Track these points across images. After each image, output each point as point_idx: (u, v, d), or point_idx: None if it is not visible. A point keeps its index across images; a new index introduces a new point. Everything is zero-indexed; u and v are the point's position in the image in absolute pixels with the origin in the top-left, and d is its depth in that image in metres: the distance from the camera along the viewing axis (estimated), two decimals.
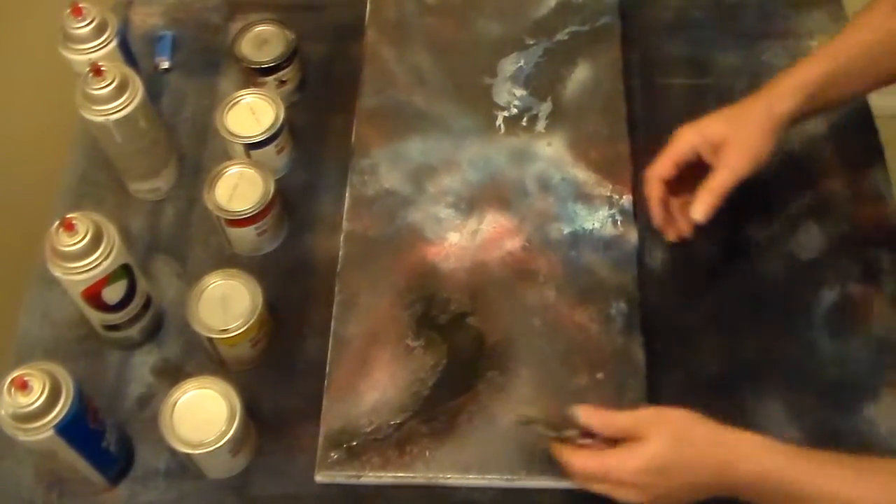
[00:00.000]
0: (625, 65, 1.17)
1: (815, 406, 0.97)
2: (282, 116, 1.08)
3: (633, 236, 1.06)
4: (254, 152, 1.08)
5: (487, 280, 1.04)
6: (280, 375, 1.01)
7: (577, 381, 0.98)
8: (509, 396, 0.97)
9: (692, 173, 0.94)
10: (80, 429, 0.86)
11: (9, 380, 0.82)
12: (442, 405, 0.97)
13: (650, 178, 0.90)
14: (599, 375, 0.98)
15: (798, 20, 1.22)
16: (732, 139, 0.88)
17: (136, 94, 1.00)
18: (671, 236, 0.96)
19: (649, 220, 1.02)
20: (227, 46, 1.18)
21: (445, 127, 1.13)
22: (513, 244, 1.06)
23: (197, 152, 1.16)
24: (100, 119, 1.00)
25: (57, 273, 0.91)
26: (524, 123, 1.13)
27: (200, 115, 1.18)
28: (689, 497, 0.80)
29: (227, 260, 1.07)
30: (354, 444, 0.95)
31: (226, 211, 1.02)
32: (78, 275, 0.90)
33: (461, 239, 1.06)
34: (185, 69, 1.22)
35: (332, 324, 1.01)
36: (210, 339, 0.96)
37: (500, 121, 1.14)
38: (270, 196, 1.03)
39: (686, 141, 0.89)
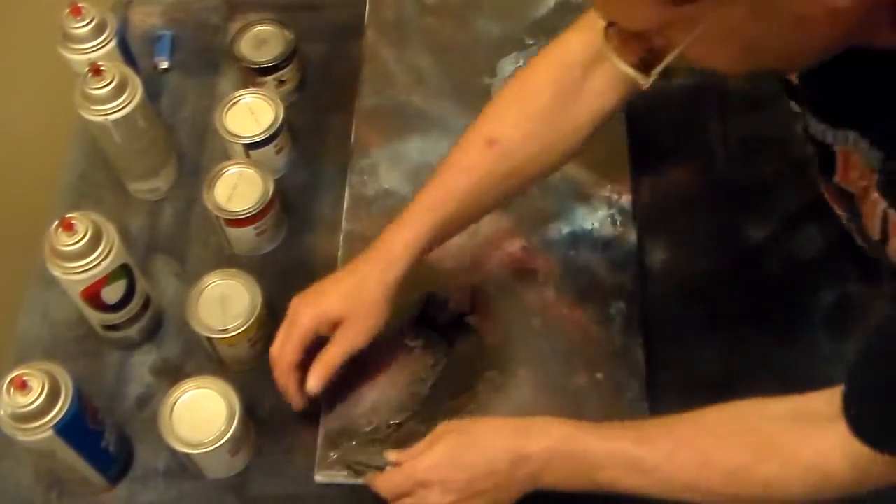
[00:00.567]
0: None
1: None
2: (281, 116, 1.08)
3: (632, 236, 1.06)
4: (253, 152, 1.07)
5: (487, 280, 1.04)
6: None
7: (576, 381, 0.98)
8: (508, 396, 0.97)
9: None
10: (79, 429, 0.86)
11: (8, 380, 0.82)
12: (441, 405, 0.97)
13: (280, 364, 0.92)
14: (599, 375, 0.98)
15: None
16: (349, 316, 0.91)
17: (136, 93, 1.00)
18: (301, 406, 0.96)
19: (649, 220, 1.02)
20: (227, 46, 1.18)
21: (445, 127, 1.13)
22: (512, 244, 1.06)
23: (196, 152, 1.16)
24: (99, 119, 0.99)
25: (56, 273, 0.90)
26: None
27: (200, 114, 1.18)
28: (495, 494, 0.83)
29: (227, 260, 1.07)
30: (354, 443, 0.95)
31: (225, 211, 1.02)
32: (77, 274, 0.90)
33: (460, 239, 1.05)
34: (184, 69, 1.22)
35: None
36: (209, 339, 0.96)
37: None
38: (270, 196, 1.03)
39: (305, 325, 0.91)
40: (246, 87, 1.12)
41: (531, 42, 1.19)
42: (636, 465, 0.78)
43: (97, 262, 0.90)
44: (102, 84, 0.98)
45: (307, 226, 1.11)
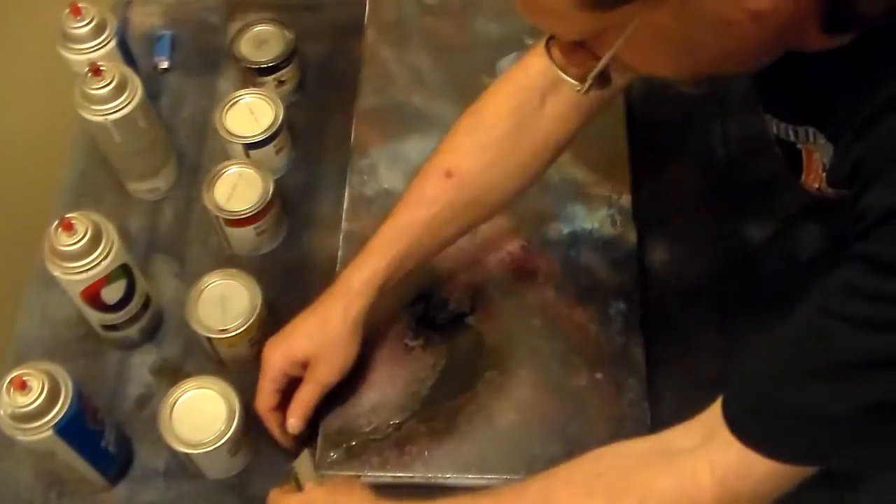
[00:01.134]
0: None
1: None
2: (281, 116, 1.08)
3: (632, 236, 1.06)
4: (253, 152, 1.07)
5: (486, 280, 1.04)
6: None
7: (576, 381, 0.98)
8: (508, 396, 0.97)
9: None
10: (79, 429, 0.86)
11: (8, 380, 0.82)
12: (441, 405, 0.97)
13: (261, 411, 0.94)
14: (599, 375, 0.98)
15: None
16: (316, 355, 0.92)
17: (135, 93, 1.00)
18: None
19: (649, 220, 1.02)
20: (226, 46, 1.18)
21: (444, 127, 1.12)
22: (512, 244, 1.06)
23: (196, 152, 1.16)
24: (99, 119, 0.99)
25: (56, 273, 0.90)
26: None
27: (199, 114, 1.18)
28: None
29: (227, 260, 1.07)
30: (353, 443, 0.95)
31: (225, 211, 1.02)
32: (77, 274, 0.90)
33: (460, 239, 1.05)
34: (184, 69, 1.22)
35: None
36: (209, 339, 0.96)
37: None
38: (269, 196, 1.03)
39: (274, 369, 0.92)
40: (246, 87, 1.12)
41: (531, 42, 1.19)
42: None
43: (97, 262, 0.90)
44: (102, 84, 0.98)
45: (307, 226, 1.11)
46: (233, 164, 1.04)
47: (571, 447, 0.94)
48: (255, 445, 0.96)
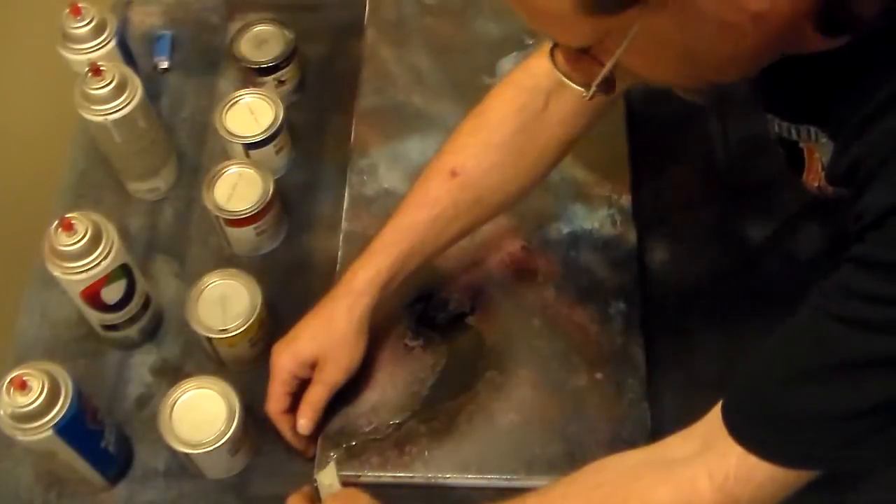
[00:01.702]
0: None
1: None
2: (281, 116, 1.08)
3: (632, 236, 1.06)
4: (253, 152, 1.07)
5: (487, 280, 1.04)
6: None
7: (576, 381, 0.98)
8: (508, 396, 0.97)
9: None
10: (78, 429, 0.86)
11: (7, 380, 0.82)
12: (441, 405, 0.97)
13: (272, 414, 0.94)
14: (599, 375, 0.98)
15: None
16: (322, 355, 0.92)
17: (135, 93, 1.00)
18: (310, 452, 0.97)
19: (649, 220, 1.02)
20: (226, 46, 1.18)
21: (444, 127, 1.13)
22: (512, 244, 1.06)
23: (196, 152, 1.16)
24: (99, 119, 0.99)
25: (56, 273, 0.90)
26: None
27: (199, 114, 1.18)
28: None
29: (227, 260, 1.07)
30: (353, 443, 0.95)
31: (225, 211, 1.02)
32: (77, 274, 0.90)
33: (463, 239, 1.05)
34: (183, 69, 1.22)
35: None
36: (209, 339, 0.96)
37: None
38: (269, 196, 1.03)
39: (283, 369, 0.93)
40: (246, 87, 1.12)
41: (530, 42, 1.19)
42: None
43: (97, 262, 0.90)
44: (102, 84, 0.98)
45: (307, 226, 1.11)
46: (233, 164, 1.04)
47: (571, 447, 0.94)
48: (255, 445, 0.96)
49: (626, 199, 1.08)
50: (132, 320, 1.00)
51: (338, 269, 1.04)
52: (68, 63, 1.06)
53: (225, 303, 0.97)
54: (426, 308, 1.02)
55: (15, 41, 1.48)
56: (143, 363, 1.02)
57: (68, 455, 0.87)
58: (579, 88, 0.68)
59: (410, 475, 0.93)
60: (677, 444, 0.72)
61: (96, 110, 0.99)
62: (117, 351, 1.03)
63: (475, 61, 1.18)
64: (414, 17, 1.23)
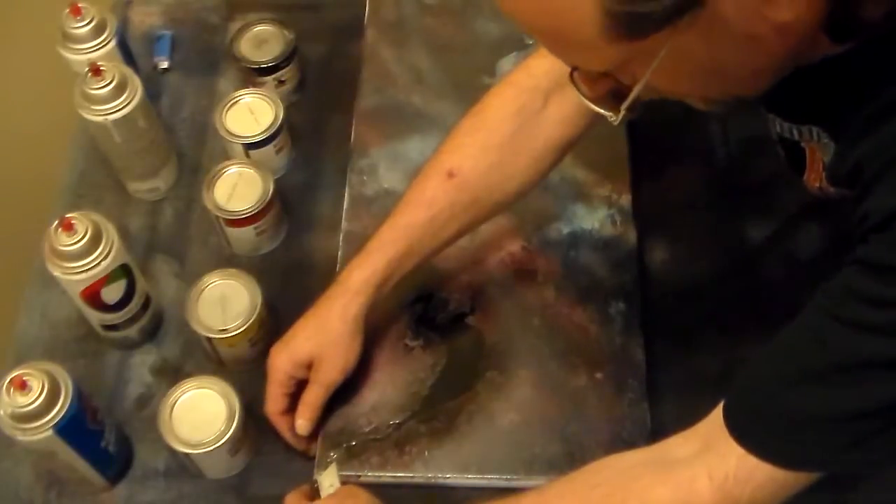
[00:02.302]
0: None
1: None
2: (281, 116, 1.08)
3: (632, 236, 1.06)
4: (253, 152, 1.07)
5: (487, 280, 1.04)
6: None
7: (576, 381, 0.98)
8: (508, 396, 0.97)
9: None
10: (78, 429, 0.86)
11: (8, 380, 0.82)
12: (441, 405, 0.97)
13: (271, 415, 0.95)
14: (599, 375, 0.98)
15: None
16: (318, 356, 0.92)
17: (135, 93, 1.00)
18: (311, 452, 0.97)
19: (649, 220, 1.02)
20: (226, 46, 1.18)
21: (444, 127, 1.12)
22: (512, 244, 1.06)
23: (196, 152, 1.16)
24: (99, 119, 0.99)
25: (56, 273, 0.90)
26: None
27: (199, 114, 1.18)
28: None
29: (226, 260, 1.07)
30: (353, 443, 0.95)
31: (225, 211, 1.02)
32: (77, 274, 0.90)
33: (460, 239, 1.05)
34: (183, 69, 1.22)
35: None
36: (209, 339, 0.96)
37: None
38: (269, 196, 1.03)
39: (279, 370, 0.93)
40: (245, 86, 1.12)
41: (530, 42, 1.19)
42: None
43: (97, 262, 0.90)
44: (102, 84, 0.98)
45: (307, 226, 1.11)
46: (233, 164, 1.04)
47: (571, 447, 0.94)
48: (255, 445, 0.96)
49: (626, 199, 1.08)
50: (132, 320, 1.00)
51: (338, 269, 1.04)
52: (68, 63, 1.06)
53: (225, 303, 0.97)
54: (426, 308, 1.02)
55: (15, 41, 1.48)
56: (143, 363, 1.02)
57: (68, 455, 0.87)
58: (608, 114, 0.68)
59: (410, 475, 0.93)
60: (677, 445, 0.72)
61: (96, 110, 0.99)
62: (117, 351, 1.03)
63: (475, 61, 1.18)
64: (414, 17, 1.23)
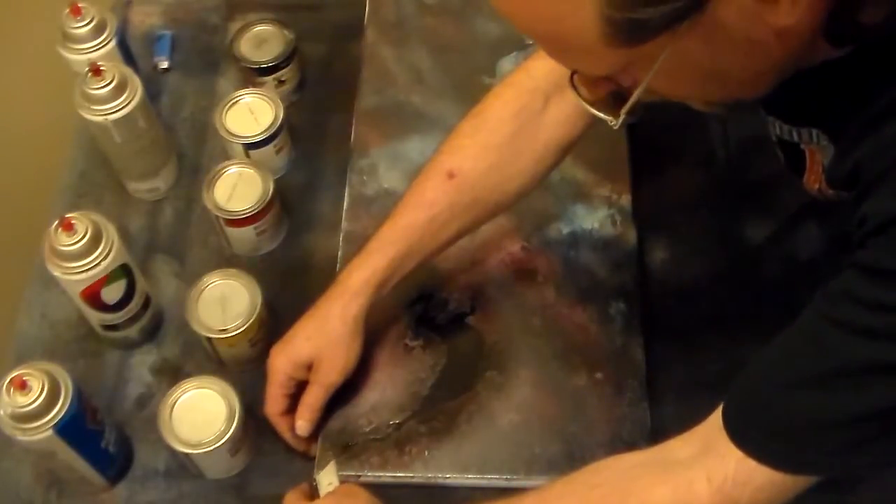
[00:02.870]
0: None
1: None
2: (281, 116, 1.08)
3: (632, 236, 1.06)
4: (253, 152, 1.07)
5: (487, 280, 1.04)
6: None
7: (576, 381, 0.98)
8: (508, 396, 0.97)
9: None
10: (78, 429, 0.86)
11: (7, 380, 0.82)
12: (441, 405, 0.97)
13: (271, 416, 0.95)
14: (599, 375, 0.98)
15: None
16: (318, 356, 0.92)
17: (135, 93, 1.00)
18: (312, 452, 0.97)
19: (649, 220, 1.02)
20: (226, 46, 1.18)
21: (444, 126, 1.12)
22: (512, 244, 1.06)
23: (196, 152, 1.16)
24: (99, 119, 0.99)
25: (56, 273, 0.90)
26: None
27: (199, 114, 1.18)
28: None
29: (227, 260, 1.07)
30: (353, 443, 0.95)
31: (225, 211, 1.02)
32: (77, 274, 0.90)
33: (460, 240, 1.05)
34: (183, 69, 1.22)
35: None
36: (209, 339, 0.96)
37: None
38: (269, 196, 1.03)
39: (279, 371, 0.93)
40: (245, 86, 1.12)
41: (531, 41, 1.19)
42: None
43: (97, 262, 0.90)
44: (102, 84, 0.98)
45: (307, 226, 1.11)
46: (233, 164, 1.04)
47: (571, 447, 0.94)
48: (255, 445, 0.96)
49: (626, 199, 1.08)
50: (132, 320, 1.00)
51: (338, 269, 1.04)
52: (68, 63, 1.06)
53: (225, 303, 0.97)
54: (426, 308, 1.02)
55: (15, 41, 1.48)
56: (143, 363, 1.02)
57: (68, 455, 0.87)
58: (608, 118, 0.68)
59: (410, 475, 0.94)
60: (677, 447, 0.72)
61: (96, 110, 0.99)
62: (117, 351, 1.03)
63: (475, 61, 1.18)
64: (414, 17, 1.23)
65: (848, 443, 0.63)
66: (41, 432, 0.82)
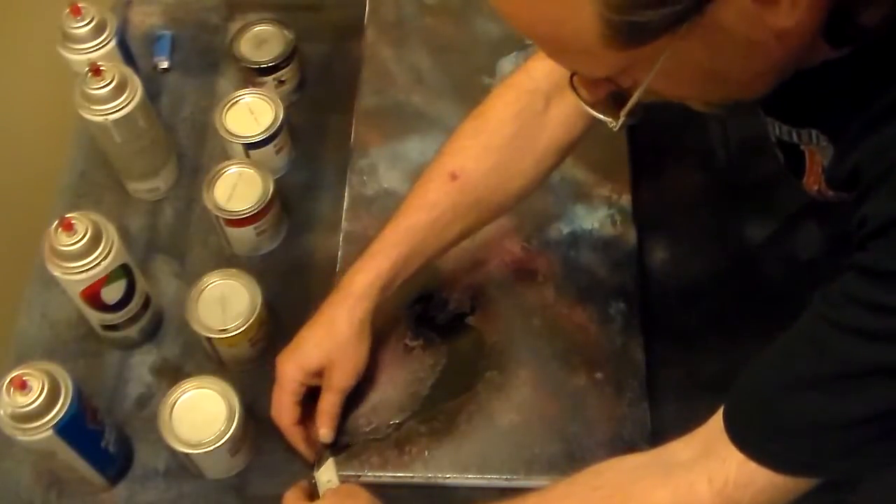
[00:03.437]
0: None
1: None
2: (281, 116, 1.08)
3: (632, 236, 1.06)
4: (253, 152, 1.07)
5: (487, 280, 1.04)
6: None
7: (576, 381, 0.98)
8: (508, 396, 0.97)
9: None
10: (78, 429, 0.86)
11: (8, 380, 0.82)
12: (441, 405, 0.97)
13: (283, 426, 0.94)
14: (599, 375, 0.98)
15: None
16: (328, 362, 0.92)
17: (135, 93, 1.00)
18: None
19: (649, 220, 1.02)
20: (226, 46, 1.18)
21: (444, 127, 1.13)
22: (512, 244, 1.06)
23: (196, 152, 1.16)
24: (99, 119, 0.99)
25: (56, 273, 0.90)
26: None
27: (199, 114, 1.18)
28: None
29: (227, 260, 1.07)
30: (354, 443, 0.95)
31: (225, 211, 1.02)
32: (77, 274, 0.90)
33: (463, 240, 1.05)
34: (183, 69, 1.22)
35: None
36: (209, 339, 0.96)
37: None
38: (269, 196, 1.03)
39: (292, 379, 0.92)
40: (245, 86, 1.12)
41: (531, 42, 1.19)
42: None
43: (97, 262, 0.90)
44: (102, 84, 0.98)
45: (307, 226, 1.11)
46: (233, 164, 1.04)
47: (571, 447, 0.94)
48: (255, 445, 0.96)
49: (626, 199, 1.08)
50: (132, 320, 1.00)
51: (338, 269, 1.04)
52: (68, 63, 1.06)
53: (225, 303, 0.97)
54: (426, 308, 1.02)
55: (15, 41, 1.48)
56: (143, 363, 1.02)
57: (68, 455, 0.87)
58: (607, 119, 0.68)
59: (410, 475, 0.94)
60: (678, 449, 0.72)
61: (96, 110, 0.99)
62: (117, 351, 1.03)
63: (475, 61, 1.18)
64: (414, 17, 1.23)
65: (849, 445, 0.63)
66: (41, 432, 0.82)
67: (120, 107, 0.99)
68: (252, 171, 1.04)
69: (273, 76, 1.14)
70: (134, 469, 0.97)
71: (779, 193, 1.09)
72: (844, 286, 0.61)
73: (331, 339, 0.91)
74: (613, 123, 0.68)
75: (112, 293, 0.94)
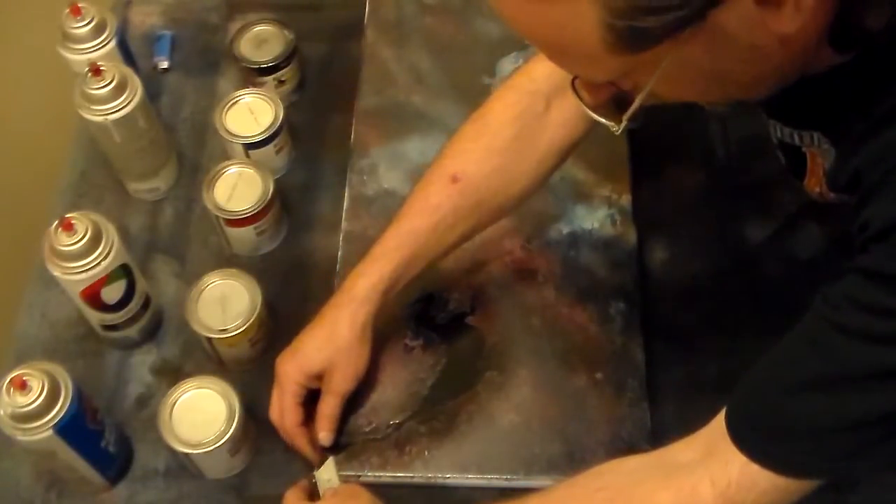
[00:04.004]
0: None
1: None
2: (281, 116, 1.08)
3: (632, 236, 1.06)
4: (253, 152, 1.07)
5: (487, 280, 1.04)
6: None
7: (576, 381, 0.98)
8: (508, 396, 0.97)
9: None
10: (78, 429, 0.86)
11: (7, 380, 0.82)
12: (441, 405, 0.97)
13: (288, 429, 0.94)
14: (598, 375, 0.98)
15: None
16: (329, 366, 0.92)
17: (135, 93, 1.00)
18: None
19: (649, 220, 1.02)
20: (226, 46, 1.18)
21: (444, 127, 1.13)
22: (512, 244, 1.06)
23: (196, 152, 1.16)
24: (99, 119, 0.99)
25: (56, 273, 0.90)
26: None
27: (199, 114, 1.18)
28: None
29: (227, 260, 1.07)
30: (353, 443, 0.95)
31: (225, 211, 1.02)
32: (77, 274, 0.90)
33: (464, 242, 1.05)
34: (183, 69, 1.22)
35: None
36: (209, 339, 0.96)
37: None
38: (269, 196, 1.03)
39: (292, 384, 0.92)
40: (245, 86, 1.12)
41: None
42: None
43: (97, 262, 0.90)
44: (102, 84, 0.98)
45: (307, 226, 1.11)
46: (233, 164, 1.04)
47: (571, 447, 0.94)
48: (255, 445, 0.96)
49: (626, 199, 1.08)
50: (132, 320, 1.00)
51: (338, 269, 1.04)
52: (68, 63, 1.06)
53: (225, 303, 0.97)
54: (426, 308, 1.02)
55: (15, 41, 1.48)
56: (143, 363, 1.02)
57: (68, 455, 0.87)
58: (609, 123, 0.68)
59: (410, 475, 0.94)
60: (680, 450, 0.72)
61: (96, 110, 0.99)
62: (117, 351, 1.03)
63: (475, 61, 1.18)
64: (414, 17, 1.23)
65: (851, 447, 0.63)
66: (41, 432, 0.82)
67: (120, 107, 0.99)
68: (252, 171, 1.04)
69: (273, 76, 1.14)
70: (134, 469, 0.97)
71: (779, 194, 1.09)
72: (846, 288, 0.61)
73: (332, 342, 0.91)
74: (615, 127, 0.68)
75: (112, 293, 0.94)
